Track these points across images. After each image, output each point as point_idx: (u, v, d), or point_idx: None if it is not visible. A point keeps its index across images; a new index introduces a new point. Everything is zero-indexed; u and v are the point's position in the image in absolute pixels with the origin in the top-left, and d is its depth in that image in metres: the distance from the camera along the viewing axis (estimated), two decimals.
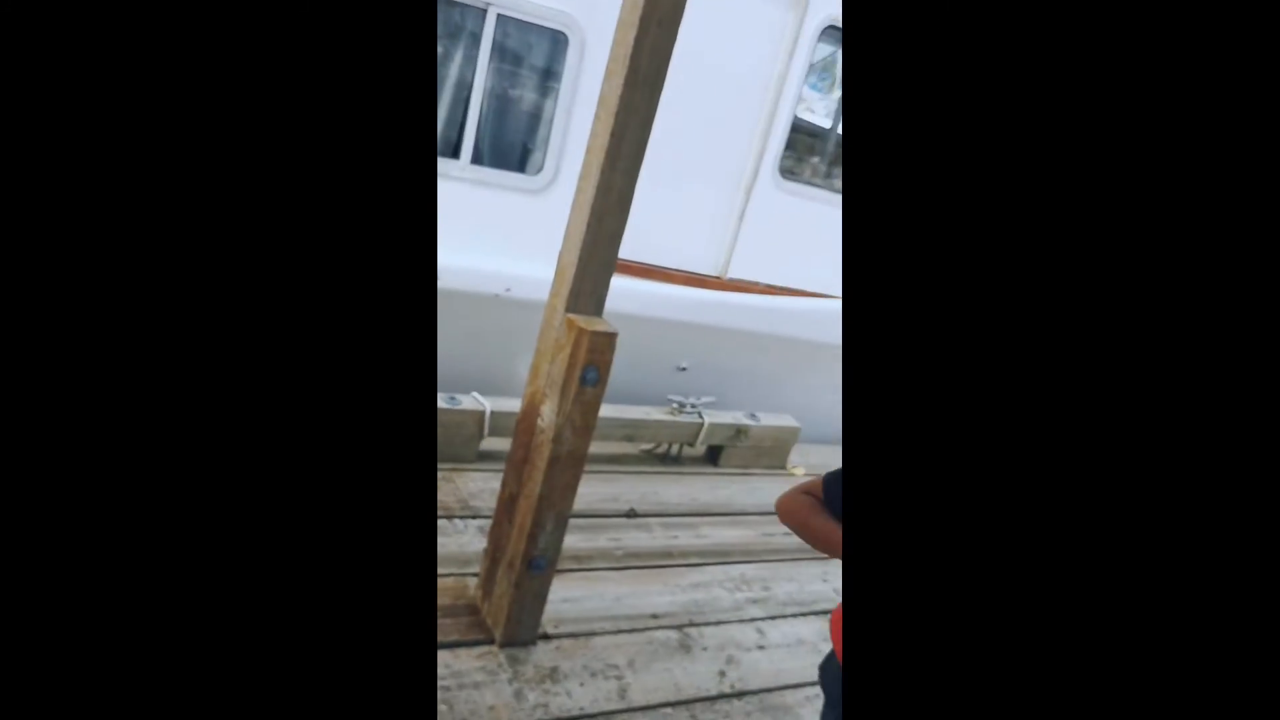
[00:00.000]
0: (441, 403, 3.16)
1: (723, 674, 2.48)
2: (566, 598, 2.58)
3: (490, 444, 3.28)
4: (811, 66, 4.16)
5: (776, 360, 4.35)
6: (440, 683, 2.11)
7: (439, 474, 3.07)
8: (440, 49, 3.43)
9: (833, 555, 1.38)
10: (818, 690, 2.49)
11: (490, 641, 2.31)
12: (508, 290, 3.55)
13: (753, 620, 2.78)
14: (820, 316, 4.35)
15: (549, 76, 3.70)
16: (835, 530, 1.38)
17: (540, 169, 3.73)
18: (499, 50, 3.50)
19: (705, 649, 2.56)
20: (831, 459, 4.10)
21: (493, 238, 3.63)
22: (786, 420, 4.03)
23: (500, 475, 2.39)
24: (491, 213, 3.68)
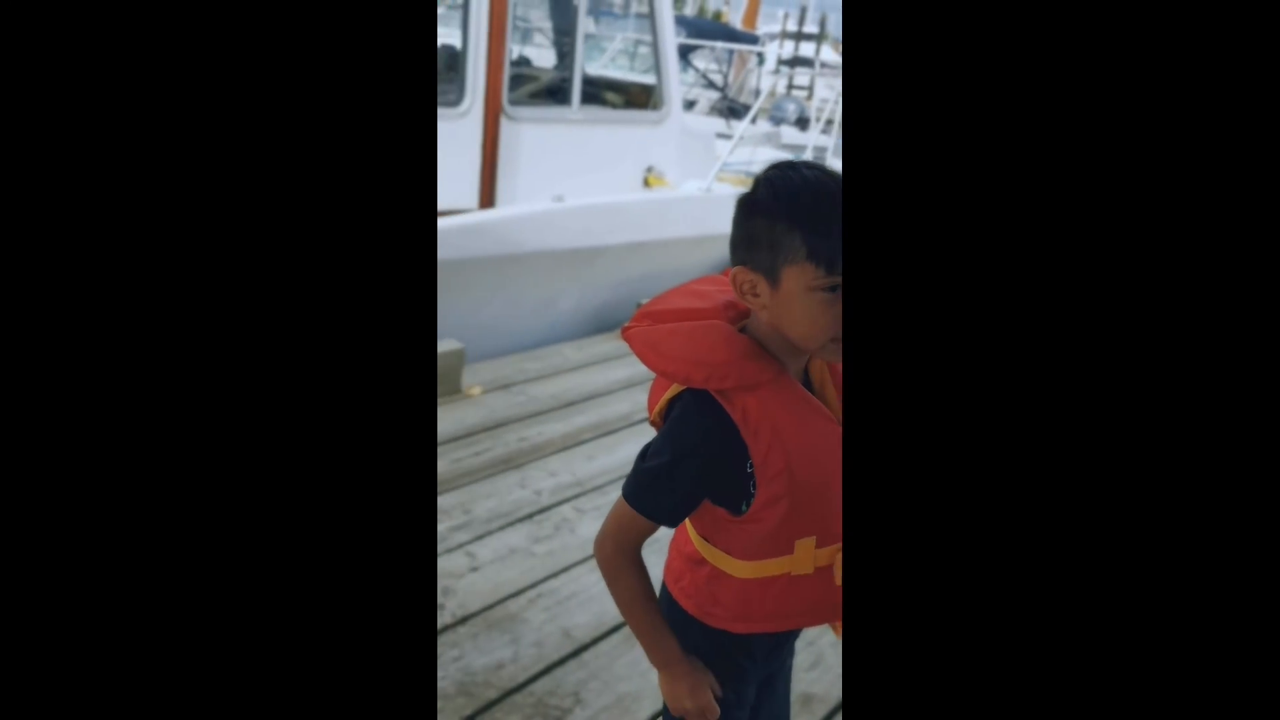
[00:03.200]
0: None
1: (442, 606, 2.41)
2: None
3: None
4: None
5: None
6: None
7: None
8: None
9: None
10: (539, 591, 2.50)
11: None
12: None
13: (460, 546, 2.71)
14: (454, 234, 4.10)
15: None
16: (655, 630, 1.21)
17: None
18: None
19: None
20: (507, 371, 4.11)
21: None
22: (450, 344, 3.77)
23: None
24: None
